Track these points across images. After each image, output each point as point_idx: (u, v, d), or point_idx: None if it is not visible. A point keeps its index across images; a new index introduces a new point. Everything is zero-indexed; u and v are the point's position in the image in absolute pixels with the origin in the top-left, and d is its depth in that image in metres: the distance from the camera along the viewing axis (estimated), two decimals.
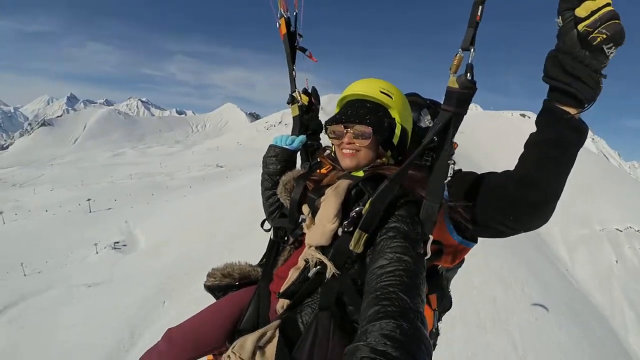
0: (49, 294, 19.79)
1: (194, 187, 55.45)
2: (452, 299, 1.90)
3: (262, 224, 2.01)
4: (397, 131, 1.63)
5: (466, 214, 1.39)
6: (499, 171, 1.42)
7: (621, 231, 29.83)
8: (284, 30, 2.16)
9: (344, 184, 1.52)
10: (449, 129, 1.29)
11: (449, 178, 1.30)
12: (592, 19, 1.02)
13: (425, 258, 1.28)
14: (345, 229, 1.37)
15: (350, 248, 1.30)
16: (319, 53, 2.24)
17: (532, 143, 1.27)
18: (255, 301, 1.78)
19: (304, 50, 2.21)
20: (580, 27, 1.05)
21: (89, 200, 39.90)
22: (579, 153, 1.24)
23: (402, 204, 1.38)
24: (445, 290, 1.82)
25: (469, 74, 1.21)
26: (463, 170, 1.61)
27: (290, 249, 1.77)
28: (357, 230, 1.31)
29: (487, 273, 10.76)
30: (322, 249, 1.44)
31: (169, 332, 1.83)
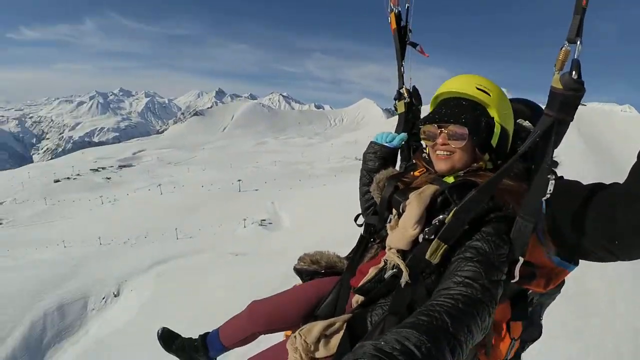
0: (198, 258, 21.61)
1: (335, 177, 56.84)
2: (543, 327, 1.71)
3: (355, 219, 1.99)
4: (497, 131, 1.50)
5: (561, 235, 1.28)
6: (606, 183, 1.25)
7: None
8: (394, 25, 2.12)
9: (429, 190, 1.48)
10: (549, 138, 1.19)
11: (547, 195, 1.19)
12: None
13: (513, 281, 1.23)
14: (426, 237, 1.32)
15: (426, 257, 1.26)
16: (429, 47, 1.99)
17: None
18: (335, 291, 1.80)
19: (414, 45, 2.12)
20: None
21: (239, 180, 42.48)
22: None
23: (491, 220, 1.28)
24: (535, 318, 1.64)
25: (574, 72, 1.10)
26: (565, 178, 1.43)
27: (378, 247, 1.76)
28: (436, 239, 1.25)
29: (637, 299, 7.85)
30: (402, 252, 1.41)
31: (252, 304, 2.05)
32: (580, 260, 1.36)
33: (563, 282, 1.50)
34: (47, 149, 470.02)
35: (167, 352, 2.35)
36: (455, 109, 1.53)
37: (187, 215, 28.04)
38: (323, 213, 27.75)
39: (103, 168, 54.23)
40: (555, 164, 1.35)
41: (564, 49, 1.11)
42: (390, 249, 1.45)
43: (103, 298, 17.30)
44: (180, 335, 2.36)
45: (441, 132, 1.53)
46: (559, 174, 1.40)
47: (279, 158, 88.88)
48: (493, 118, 1.52)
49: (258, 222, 28.02)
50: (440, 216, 1.33)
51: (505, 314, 1.49)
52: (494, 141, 1.51)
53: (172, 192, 37.52)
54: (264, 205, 34.05)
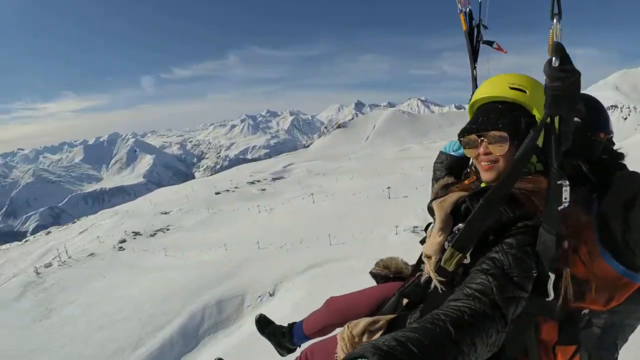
0: (351, 262, 21.22)
1: None
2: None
3: (425, 228, 1.86)
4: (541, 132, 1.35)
5: (618, 239, 1.21)
6: None
7: None
8: (465, 26, 2.05)
9: (451, 198, 1.52)
10: (550, 139, 1.14)
11: (564, 204, 1.12)
12: None
13: (548, 299, 1.18)
14: (449, 244, 1.31)
15: (442, 264, 1.28)
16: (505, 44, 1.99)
17: None
18: (397, 294, 1.87)
19: (490, 43, 2.05)
20: None
21: (388, 188, 41.99)
22: None
23: (516, 230, 1.23)
24: (607, 343, 1.43)
25: (554, 59, 1.01)
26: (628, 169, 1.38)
27: None
28: (450, 247, 1.27)
29: None
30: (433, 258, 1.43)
31: (330, 299, 2.38)
32: None
33: (631, 297, 1.26)
34: (207, 166, 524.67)
35: (261, 334, 2.78)
36: (491, 114, 1.48)
37: (338, 223, 28.12)
38: None
39: (258, 181, 58.24)
40: (566, 170, 1.17)
41: (551, 29, 0.99)
42: (425, 255, 1.49)
43: (259, 296, 18.10)
44: (273, 322, 2.79)
45: (481, 141, 1.48)
46: (630, 169, 1.37)
47: (425, 163, 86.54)
48: (534, 116, 1.45)
49: (410, 228, 26.65)
50: (460, 224, 1.34)
51: (552, 335, 1.34)
52: (540, 141, 1.34)
53: (324, 200, 38.59)
54: (415, 212, 32.78)
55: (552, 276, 1.14)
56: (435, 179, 2.01)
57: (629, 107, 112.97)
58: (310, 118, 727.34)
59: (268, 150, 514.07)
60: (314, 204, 37.60)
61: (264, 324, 2.83)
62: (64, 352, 15.68)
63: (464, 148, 1.60)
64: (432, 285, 1.41)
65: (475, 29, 2.06)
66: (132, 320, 16.58)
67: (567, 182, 1.12)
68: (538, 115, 1.43)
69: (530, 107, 1.45)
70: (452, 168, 1.96)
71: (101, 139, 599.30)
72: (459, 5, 2.05)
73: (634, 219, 1.19)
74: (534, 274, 1.16)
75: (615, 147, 1.85)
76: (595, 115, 1.77)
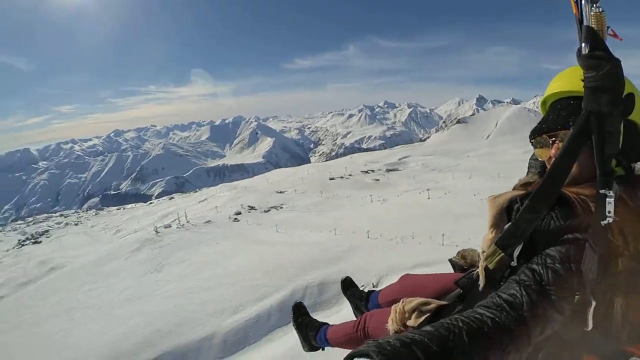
0: None
1: None
2: None
3: None
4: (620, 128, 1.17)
5: None
6: None
7: None
8: (576, 9, 1.56)
9: (506, 195, 1.50)
10: (586, 139, 1.06)
11: (609, 218, 1.01)
12: None
13: (587, 329, 1.07)
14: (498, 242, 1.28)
15: (483, 260, 1.29)
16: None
17: None
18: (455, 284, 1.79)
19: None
20: None
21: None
22: None
23: (563, 241, 1.12)
24: None
25: (585, 45, 0.94)
26: None
27: None
28: (494, 244, 1.25)
29: None
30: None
31: (404, 275, 2.56)
32: None
33: None
34: (322, 152, 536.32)
35: (343, 294, 3.15)
36: (562, 111, 1.36)
37: (454, 223, 26.75)
38: None
39: (372, 171, 58.02)
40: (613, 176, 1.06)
41: (594, 13, 0.88)
42: (483, 251, 1.45)
43: (362, 285, 17.45)
44: (357, 286, 3.15)
45: (553, 142, 1.39)
46: None
47: None
48: None
49: None
50: (508, 224, 1.29)
51: None
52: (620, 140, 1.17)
53: (440, 197, 36.80)
54: None
55: (593, 303, 1.02)
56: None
57: None
58: (428, 111, 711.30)
59: (383, 141, 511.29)
60: (429, 200, 35.97)
61: (348, 286, 3.17)
62: (169, 302, 16.80)
63: (536, 149, 1.51)
64: (480, 282, 1.33)
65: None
66: (236, 286, 17.26)
67: (612, 193, 1.01)
68: None
69: None
70: (544, 167, 1.68)
71: (227, 121, 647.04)
72: None
73: None
74: (576, 295, 1.04)
75: None
76: None
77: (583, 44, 0.92)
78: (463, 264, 2.25)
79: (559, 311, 1.03)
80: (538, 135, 1.46)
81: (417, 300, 1.71)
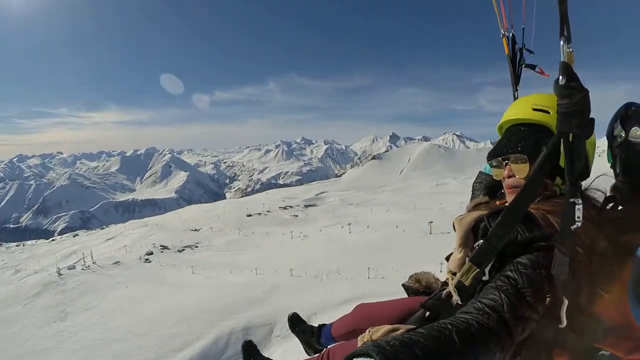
0: (392, 297, 20.39)
1: None
2: None
3: None
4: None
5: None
6: None
7: None
8: (507, 50, 2.18)
9: (472, 215, 1.54)
10: (558, 158, 1.19)
11: (577, 223, 1.10)
12: None
13: (561, 326, 1.15)
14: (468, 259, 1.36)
15: (458, 278, 1.31)
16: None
17: None
18: (420, 306, 1.83)
19: (532, 67, 2.13)
20: None
21: (431, 222, 41.07)
22: None
23: (532, 250, 1.24)
24: None
25: (561, 77, 1.05)
26: None
27: None
28: (468, 261, 1.30)
29: None
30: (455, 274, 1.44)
31: (359, 305, 2.47)
32: None
33: None
34: (238, 188, 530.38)
35: (291, 331, 3.11)
36: (513, 137, 1.54)
37: (378, 255, 27.15)
38: None
39: (291, 206, 57.81)
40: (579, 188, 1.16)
41: (564, 49, 1.04)
42: (449, 271, 1.51)
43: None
44: (305, 322, 3.14)
45: (505, 164, 1.54)
46: None
47: (464, 199, 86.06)
48: None
49: None
50: (480, 241, 1.37)
51: None
52: (562, 161, 1.28)
53: (361, 231, 37.55)
54: None
55: (566, 302, 1.12)
56: (472, 198, 2.03)
57: None
58: (344, 148, 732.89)
59: (300, 177, 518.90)
60: (351, 234, 36.55)
61: (296, 322, 3.16)
62: (76, 357, 15.22)
63: (492, 170, 1.64)
64: (454, 300, 1.39)
65: (518, 53, 2.15)
66: (151, 336, 15.79)
67: (580, 201, 1.09)
68: None
69: (554, 128, 1.27)
70: (491, 188, 1.93)
71: (139, 152, 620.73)
72: (502, 30, 2.15)
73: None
74: (548, 297, 1.15)
75: None
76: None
77: (560, 76, 1.03)
78: (418, 287, 2.31)
79: (535, 310, 1.11)
80: (493, 157, 1.59)
81: (385, 327, 1.67)
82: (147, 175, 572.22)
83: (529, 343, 1.21)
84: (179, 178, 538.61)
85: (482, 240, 1.34)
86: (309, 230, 40.05)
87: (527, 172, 1.46)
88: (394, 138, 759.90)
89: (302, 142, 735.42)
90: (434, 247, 35.81)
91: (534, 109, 1.51)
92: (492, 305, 1.09)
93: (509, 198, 1.54)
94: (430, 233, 42.06)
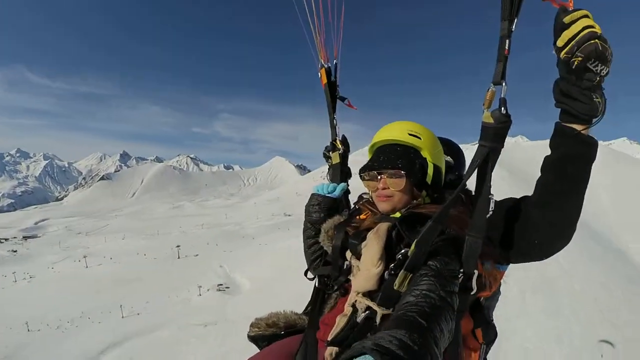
0: (156, 334, 19.98)
1: (272, 234, 56.88)
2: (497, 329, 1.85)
3: (305, 273, 2.02)
4: (430, 171, 1.71)
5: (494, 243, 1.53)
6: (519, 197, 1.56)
7: None
8: (324, 80, 2.29)
9: (383, 226, 1.58)
10: (487, 164, 1.36)
11: (490, 212, 1.38)
12: (569, 46, 1.19)
13: (472, 293, 1.38)
14: (392, 272, 1.42)
15: (395, 287, 1.35)
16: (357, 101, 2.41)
17: (546, 164, 1.38)
18: (302, 350, 1.78)
19: (343, 99, 2.31)
20: (561, 55, 1.22)
21: (178, 247, 40.34)
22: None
23: (438, 242, 1.41)
24: (490, 321, 1.77)
25: (503, 108, 1.30)
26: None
27: (337, 296, 1.80)
28: (403, 271, 1.34)
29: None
30: (369, 294, 1.49)
31: None
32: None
33: (501, 284, 1.68)
34: None
35: None
36: (391, 154, 1.70)
37: (126, 290, 25.33)
38: (282, 271, 27.62)
39: (5, 239, 48.16)
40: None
41: (490, 90, 1.29)
42: (358, 293, 1.51)
43: None
44: None
45: (381, 177, 1.69)
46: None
47: (204, 221, 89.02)
48: (426, 158, 1.71)
49: (215, 287, 26.41)
50: (403, 250, 1.43)
51: (468, 324, 1.59)
52: (429, 179, 1.71)
53: (100, 264, 34.29)
54: (213, 269, 32.46)
55: (476, 273, 1.37)
56: (311, 222, 2.08)
57: None
58: (66, 165, 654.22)
59: (13, 200, 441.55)
60: (89, 269, 33.00)
61: None
62: None
63: (365, 181, 1.77)
64: (378, 318, 1.40)
65: (333, 85, 2.31)
66: None
67: (493, 195, 1.40)
68: (429, 157, 1.71)
69: (423, 151, 1.71)
70: (330, 209, 2.05)
71: None
72: (322, 60, 2.29)
73: (497, 230, 1.52)
74: (460, 275, 1.35)
75: None
76: (456, 152, 2.20)
77: (502, 108, 1.27)
78: (276, 331, 2.03)
79: (456, 284, 1.30)
80: (369, 170, 1.73)
81: None
82: None
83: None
84: None
85: (407, 249, 1.41)
86: (35, 269, 34.49)
87: (402, 185, 1.65)
88: (124, 157, 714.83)
89: (18, 155, 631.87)
90: (185, 270, 36.06)
91: (410, 134, 1.71)
92: (428, 288, 1.22)
93: (381, 206, 1.70)
94: (179, 257, 42.32)
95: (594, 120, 1.27)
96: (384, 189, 1.68)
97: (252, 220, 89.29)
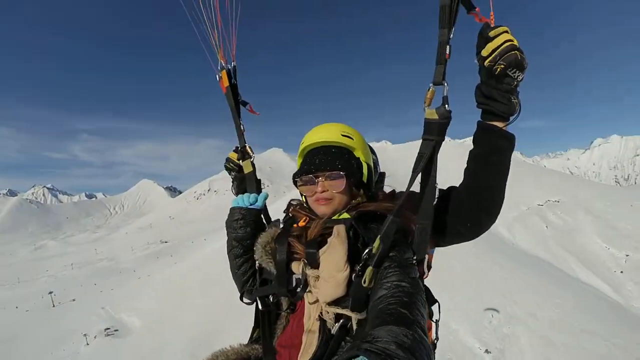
0: None
1: (152, 264, 54.97)
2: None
3: (240, 298, 1.89)
4: (365, 170, 1.76)
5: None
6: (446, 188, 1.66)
7: (542, 205, 45.30)
8: (225, 83, 2.16)
9: (342, 229, 1.54)
10: (433, 156, 1.47)
11: (435, 199, 1.49)
12: (492, 55, 1.31)
13: (425, 277, 1.51)
14: (360, 272, 1.41)
15: (364, 285, 1.36)
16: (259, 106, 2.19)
17: (473, 156, 1.49)
18: None
19: (244, 104, 2.21)
20: (485, 63, 1.34)
21: (51, 293, 37.53)
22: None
23: (398, 234, 1.50)
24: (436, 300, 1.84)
25: (446, 105, 1.43)
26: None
27: (287, 314, 1.73)
28: (369, 268, 1.38)
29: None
30: (336, 302, 1.45)
31: None
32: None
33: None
34: None
35: None
36: (327, 156, 1.71)
37: (6, 349, 23.74)
38: (171, 301, 27.32)
39: None
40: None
41: (430, 89, 1.43)
42: (324, 303, 1.47)
43: None
44: None
45: (319, 180, 1.68)
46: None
47: (72, 260, 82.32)
48: (359, 158, 1.77)
49: (102, 332, 24.89)
50: (367, 249, 1.43)
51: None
52: (365, 178, 1.76)
53: None
54: (95, 313, 30.46)
55: (427, 257, 1.49)
56: (237, 239, 1.92)
57: None
58: None
59: None
60: None
61: None
62: None
63: (300, 187, 1.76)
64: (354, 322, 1.41)
65: (236, 88, 2.19)
66: None
67: (438, 185, 1.48)
68: (362, 157, 1.78)
69: (356, 151, 1.77)
70: (256, 222, 1.95)
71: None
72: (222, 62, 2.15)
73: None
74: (414, 262, 1.43)
75: None
76: (376, 156, 2.10)
77: (445, 105, 1.41)
78: None
79: (416, 270, 1.41)
80: (305, 174, 1.71)
81: None
82: None
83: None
84: None
85: (369, 247, 1.43)
86: None
87: (343, 186, 1.66)
88: None
89: None
90: (64, 319, 33.38)
91: (343, 135, 1.74)
92: (398, 279, 1.30)
93: (321, 210, 1.68)
94: (54, 305, 39.01)
95: (512, 118, 1.40)
96: (322, 192, 1.66)
97: (127, 252, 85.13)
